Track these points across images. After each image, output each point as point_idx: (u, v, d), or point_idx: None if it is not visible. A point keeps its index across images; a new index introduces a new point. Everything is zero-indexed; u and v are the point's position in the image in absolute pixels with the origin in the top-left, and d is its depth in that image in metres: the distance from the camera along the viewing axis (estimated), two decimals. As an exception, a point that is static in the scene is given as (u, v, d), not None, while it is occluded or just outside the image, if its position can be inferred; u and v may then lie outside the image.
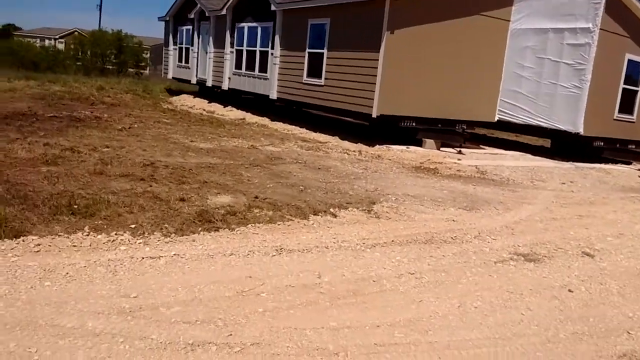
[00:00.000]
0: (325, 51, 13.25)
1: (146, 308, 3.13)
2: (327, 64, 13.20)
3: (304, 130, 13.98)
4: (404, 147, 12.32)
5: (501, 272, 4.59)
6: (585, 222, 6.99)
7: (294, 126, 14.48)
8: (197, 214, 5.14)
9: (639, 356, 3.27)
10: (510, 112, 14.91)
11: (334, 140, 12.64)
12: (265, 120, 15.22)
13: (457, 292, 3.98)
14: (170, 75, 23.61)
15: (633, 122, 14.63)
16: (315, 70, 13.63)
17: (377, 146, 12.18)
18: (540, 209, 7.53)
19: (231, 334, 2.94)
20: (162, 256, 3.99)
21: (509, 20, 13.66)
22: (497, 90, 13.94)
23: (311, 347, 2.92)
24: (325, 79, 13.29)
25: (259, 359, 2.74)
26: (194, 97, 20.28)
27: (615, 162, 14.92)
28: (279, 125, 14.49)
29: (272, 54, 15.56)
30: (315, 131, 13.81)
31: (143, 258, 3.93)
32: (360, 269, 4.21)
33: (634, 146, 15.06)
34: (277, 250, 4.40)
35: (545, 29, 14.17)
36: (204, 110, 16.99)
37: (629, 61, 14.09)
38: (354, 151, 11.26)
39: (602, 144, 14.19)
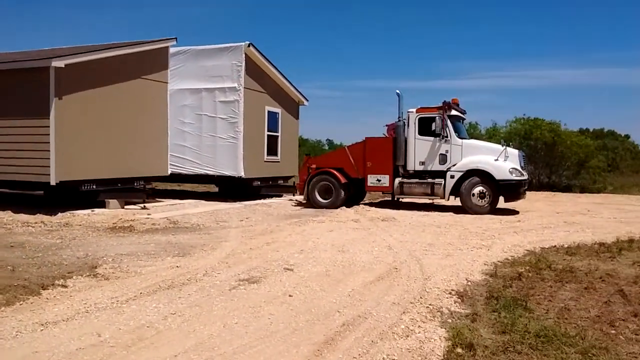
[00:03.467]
0: (-19, 121, 12.17)
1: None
2: (-15, 134, 12.15)
3: (-41, 210, 12.35)
4: (89, 211, 12.32)
5: (238, 295, 5.67)
6: (274, 247, 8.70)
7: (-60, 208, 12.61)
8: None
9: (352, 323, 4.78)
10: (180, 165, 16.37)
11: (6, 216, 11.63)
12: None
13: (217, 317, 4.88)
14: None
15: (279, 162, 17.90)
16: (-31, 142, 12.31)
17: (60, 214, 11.83)
18: (237, 244, 8.94)
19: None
20: None
21: (166, 82, 15.07)
22: (166, 146, 15.10)
23: (138, 385, 3.41)
24: (-14, 150, 12.19)
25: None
26: None
27: (271, 196, 17.93)
28: None
29: None
30: (-24, 209, 12.39)
31: None
32: (130, 321, 4.68)
33: (282, 181, 18.39)
34: (41, 325, 4.47)
35: (199, 88, 16.21)
36: None
37: (269, 112, 17.37)
38: (36, 223, 10.72)
39: (259, 183, 16.92)
